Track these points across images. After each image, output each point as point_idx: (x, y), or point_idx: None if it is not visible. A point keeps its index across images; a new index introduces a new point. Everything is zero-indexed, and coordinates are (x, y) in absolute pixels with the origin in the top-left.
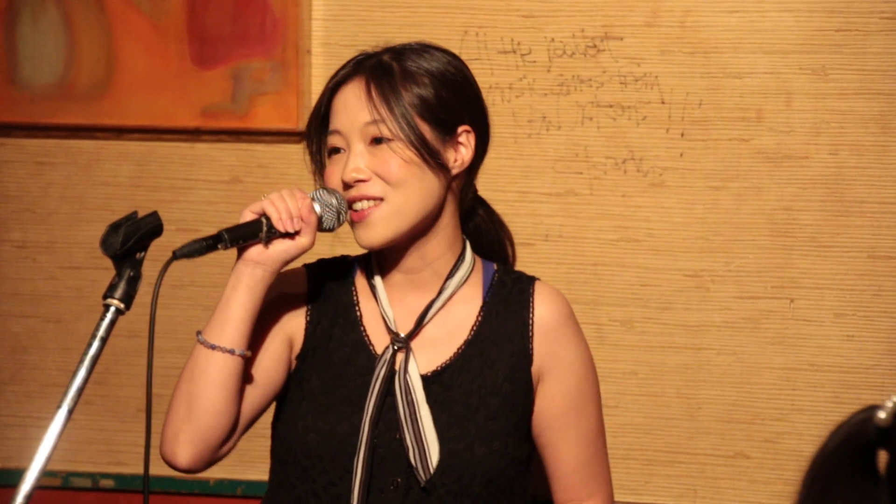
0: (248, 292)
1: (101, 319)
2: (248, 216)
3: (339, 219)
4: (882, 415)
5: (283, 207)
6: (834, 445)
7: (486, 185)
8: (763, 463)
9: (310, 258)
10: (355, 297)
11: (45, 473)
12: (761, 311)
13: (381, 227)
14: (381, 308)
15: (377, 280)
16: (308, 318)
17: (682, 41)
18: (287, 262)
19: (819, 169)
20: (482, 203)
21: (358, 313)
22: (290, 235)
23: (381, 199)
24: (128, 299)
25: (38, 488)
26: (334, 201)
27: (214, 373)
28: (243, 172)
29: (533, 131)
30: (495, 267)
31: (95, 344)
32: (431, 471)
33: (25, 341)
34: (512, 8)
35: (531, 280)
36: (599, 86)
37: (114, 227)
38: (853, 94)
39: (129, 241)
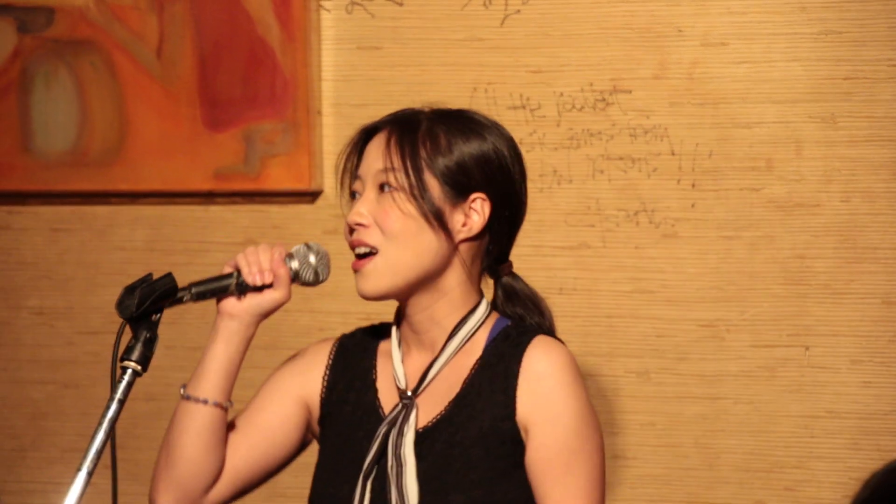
0: (225, 344)
1: (119, 382)
2: (225, 270)
3: (317, 275)
4: None
5: (254, 261)
6: (870, 491)
7: None
8: None
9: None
10: (374, 361)
11: None
12: (777, 360)
13: (373, 280)
14: (393, 366)
15: (394, 338)
16: (324, 384)
17: (690, 92)
18: (263, 315)
19: (831, 216)
20: (511, 284)
21: (374, 376)
22: (261, 289)
23: (377, 250)
24: (145, 361)
25: None
26: (312, 259)
27: (189, 422)
28: (258, 234)
29: (544, 185)
30: (510, 322)
31: (113, 406)
32: None
33: (45, 407)
34: (520, 64)
35: (534, 333)
36: (609, 139)
37: (129, 290)
38: (863, 142)
39: (145, 303)
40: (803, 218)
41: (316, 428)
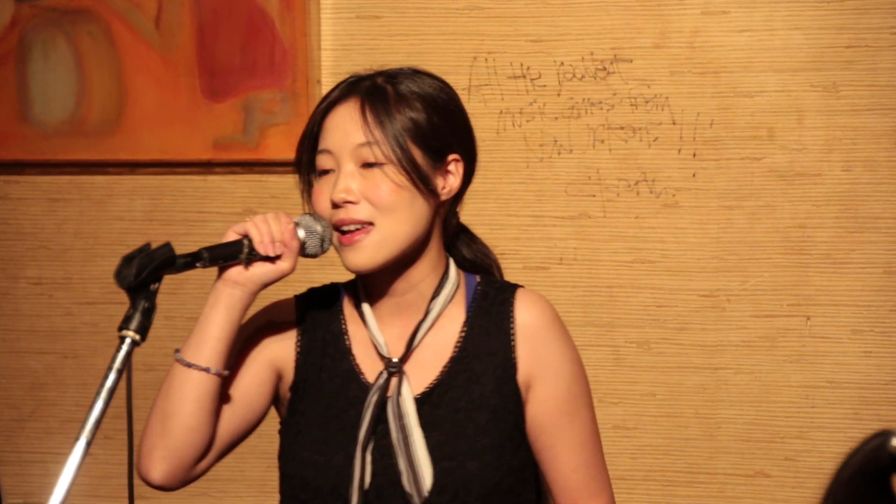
0: (226, 312)
1: (117, 351)
2: (231, 236)
3: (322, 245)
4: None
5: (266, 231)
6: (849, 474)
7: (500, 210)
8: (783, 481)
9: (295, 283)
10: (344, 326)
11: None
12: (778, 330)
13: (370, 252)
14: (371, 334)
15: (365, 305)
16: (298, 349)
17: (691, 62)
18: (266, 285)
19: (832, 186)
20: (465, 231)
21: (347, 342)
22: (271, 259)
23: (371, 224)
24: (143, 330)
25: None
26: (319, 228)
27: (190, 391)
28: (256, 203)
29: (545, 155)
30: (478, 279)
31: (112, 376)
32: (426, 494)
33: (43, 377)
34: (520, 33)
35: (513, 288)
36: (610, 108)
37: (127, 259)
38: (865, 111)
39: (143, 272)
40: (804, 187)
41: (286, 393)
